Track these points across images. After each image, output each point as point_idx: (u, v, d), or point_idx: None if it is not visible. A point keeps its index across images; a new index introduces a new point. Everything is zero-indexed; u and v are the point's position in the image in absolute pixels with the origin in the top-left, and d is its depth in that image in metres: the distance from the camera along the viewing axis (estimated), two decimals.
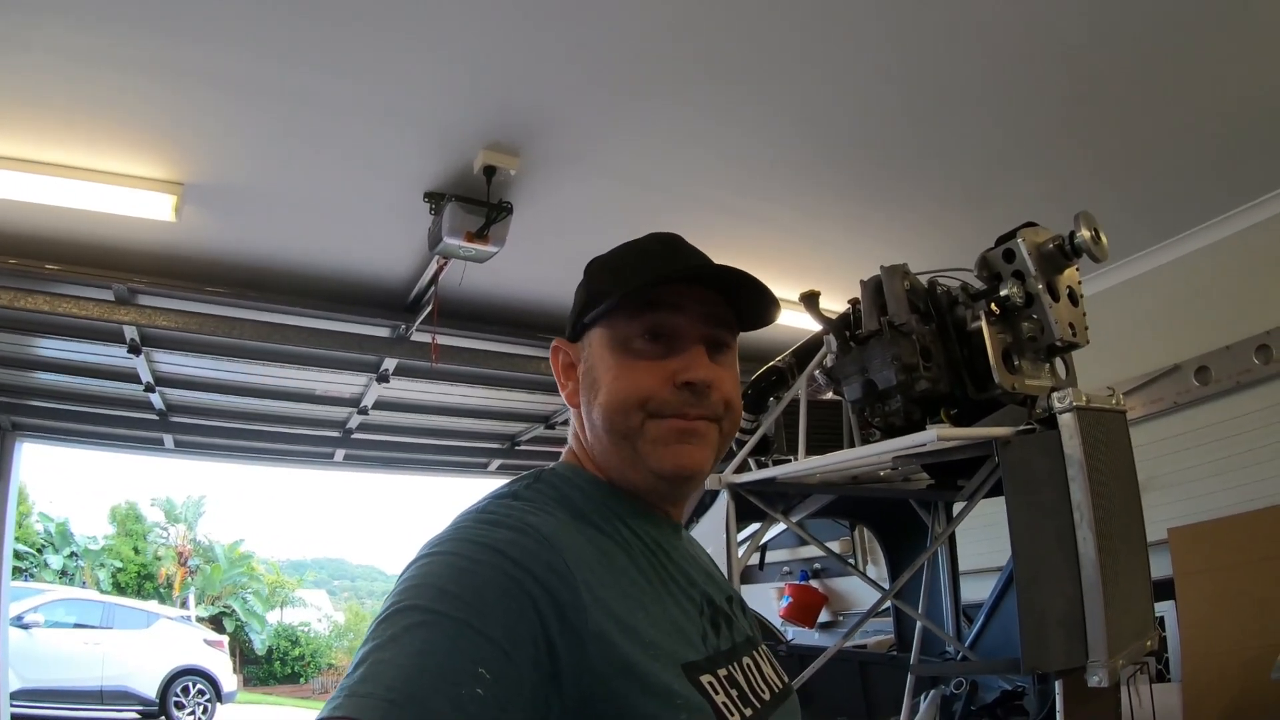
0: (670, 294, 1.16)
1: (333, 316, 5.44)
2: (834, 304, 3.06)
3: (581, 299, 1.24)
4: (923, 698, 3.34)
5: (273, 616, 25.27)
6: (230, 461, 9.13)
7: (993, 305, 2.62)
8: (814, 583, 7.86)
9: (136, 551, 23.93)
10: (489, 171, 3.90)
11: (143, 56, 3.26)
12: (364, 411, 7.20)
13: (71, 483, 33.56)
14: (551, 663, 0.89)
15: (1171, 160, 4.43)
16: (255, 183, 4.24)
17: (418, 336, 5.50)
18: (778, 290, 3.88)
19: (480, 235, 4.09)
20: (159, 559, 24.40)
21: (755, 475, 3.20)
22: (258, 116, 3.69)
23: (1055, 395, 2.46)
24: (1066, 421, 2.44)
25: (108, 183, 4.09)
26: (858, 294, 2.90)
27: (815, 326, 3.12)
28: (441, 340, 5.34)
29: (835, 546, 7.23)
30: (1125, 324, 5.53)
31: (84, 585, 21.47)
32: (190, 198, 4.24)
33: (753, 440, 3.32)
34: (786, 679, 1.25)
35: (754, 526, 3.53)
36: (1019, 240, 2.64)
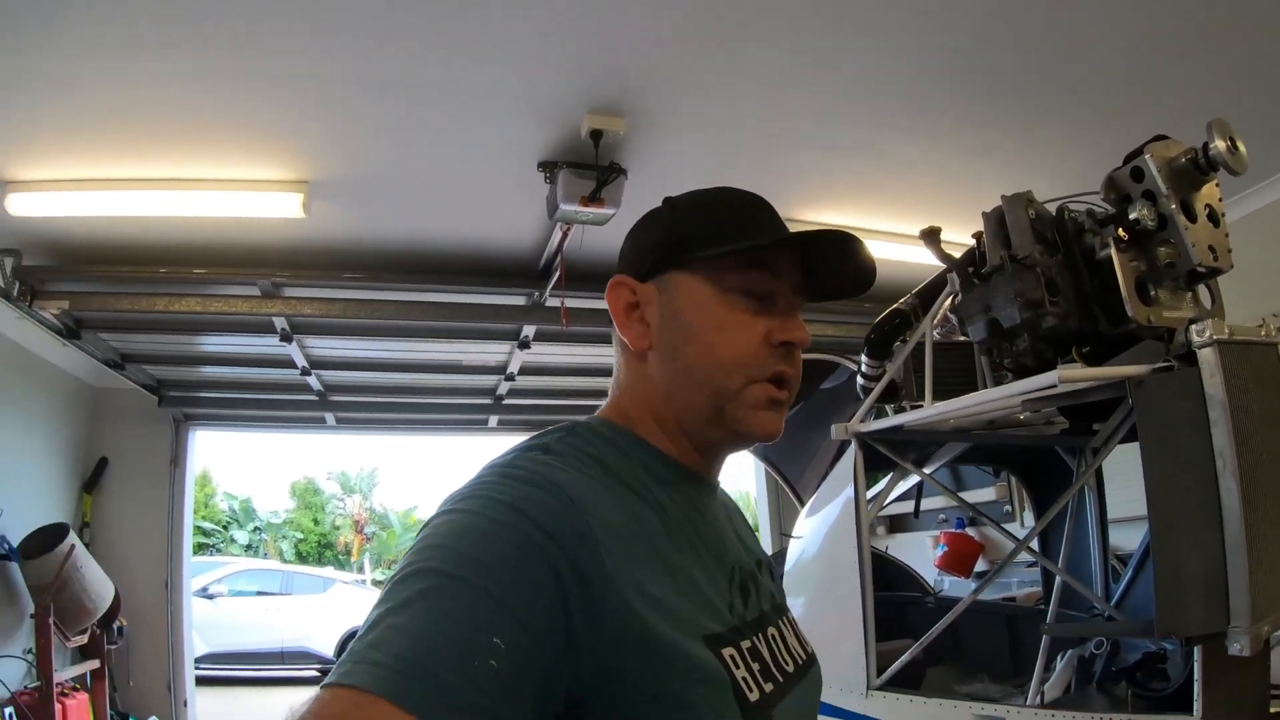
0: (776, 254, 1.13)
1: (469, 290, 5.56)
2: (958, 238, 2.88)
3: (661, 237, 1.17)
4: (1060, 657, 3.13)
5: None
6: (389, 434, 9.45)
7: (1121, 230, 2.38)
8: (970, 530, 7.58)
9: (316, 522, 25.27)
10: (595, 135, 3.85)
11: (261, 69, 3.44)
12: (510, 378, 7.32)
13: (252, 464, 35.43)
14: (569, 631, 0.85)
15: None
16: (375, 172, 4.39)
17: (554, 301, 5.53)
18: (897, 227, 3.72)
19: (594, 199, 4.05)
20: (337, 528, 25.80)
21: (883, 423, 3.05)
22: (370, 110, 3.80)
23: (1194, 328, 2.20)
24: (1207, 357, 2.17)
25: (240, 189, 4.40)
26: (981, 227, 2.72)
27: (938, 265, 2.95)
28: (571, 303, 5.37)
29: (990, 493, 6.96)
30: (1277, 250, 4.98)
31: (267, 556, 22.77)
32: (316, 194, 4.45)
33: (879, 387, 3.17)
34: (810, 649, 1.22)
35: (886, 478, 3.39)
36: (1147, 156, 2.39)
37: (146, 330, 6.10)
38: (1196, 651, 2.20)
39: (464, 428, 8.98)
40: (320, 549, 24.90)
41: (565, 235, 4.65)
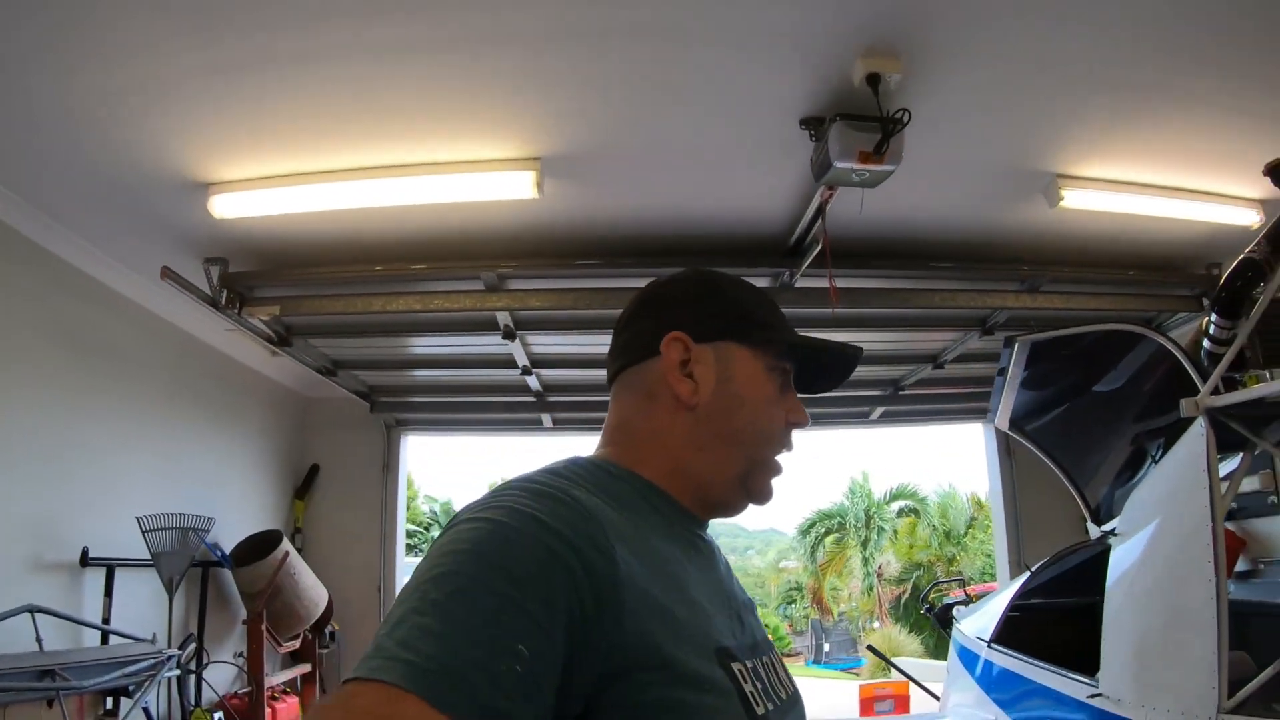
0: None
1: (715, 269, 5.27)
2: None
3: (721, 309, 1.28)
4: None
5: None
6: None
7: None
8: (1229, 525, 6.96)
9: None
10: (872, 80, 3.52)
11: (487, 30, 3.29)
12: None
13: (452, 465, 36.91)
14: (585, 637, 0.89)
15: None
16: (612, 142, 4.18)
17: (804, 282, 5.24)
18: (1211, 185, 3.22)
19: (878, 153, 3.69)
20: None
21: (1240, 395, 2.66)
22: (607, 68, 3.60)
23: None
24: None
25: (466, 171, 4.23)
26: None
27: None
28: (836, 283, 4.97)
29: (1254, 481, 6.39)
30: None
31: None
32: (549, 171, 4.26)
33: (1230, 353, 2.79)
34: (795, 686, 1.26)
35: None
36: None
37: (358, 334, 6.21)
38: None
39: None
40: None
41: (826, 201, 4.34)
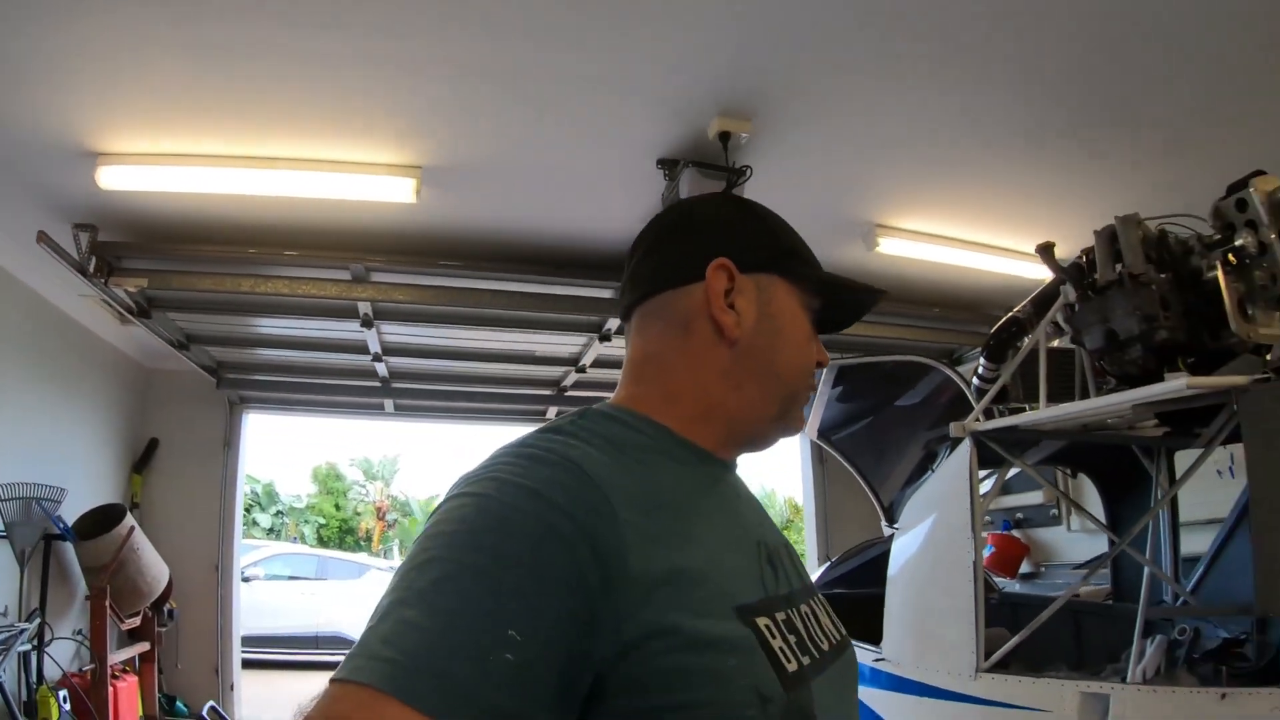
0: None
1: (562, 282, 5.78)
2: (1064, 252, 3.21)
3: (767, 239, 1.24)
4: (1149, 642, 3.49)
5: None
6: (446, 422, 9.73)
7: (1230, 256, 2.73)
8: (1016, 533, 7.94)
9: (337, 508, 25.61)
10: (724, 137, 4.11)
11: (387, 53, 3.61)
12: (582, 370, 7.60)
13: (275, 447, 35.70)
14: (590, 612, 0.86)
15: None
16: (490, 160, 4.55)
17: None
18: (1005, 241, 4.07)
19: None
20: (358, 514, 26.05)
21: (999, 423, 3.40)
22: (496, 97, 3.97)
23: None
24: None
25: (352, 172, 4.50)
26: (1079, 242, 3.06)
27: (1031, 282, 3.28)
28: None
29: (1038, 497, 7.33)
30: None
31: (295, 541, 23.12)
32: (429, 179, 4.60)
33: (994, 389, 3.51)
34: (844, 631, 1.22)
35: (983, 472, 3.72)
36: (1251, 190, 2.74)
37: (221, 311, 6.25)
38: None
39: (521, 418, 9.17)
40: (341, 534, 25.22)
41: None
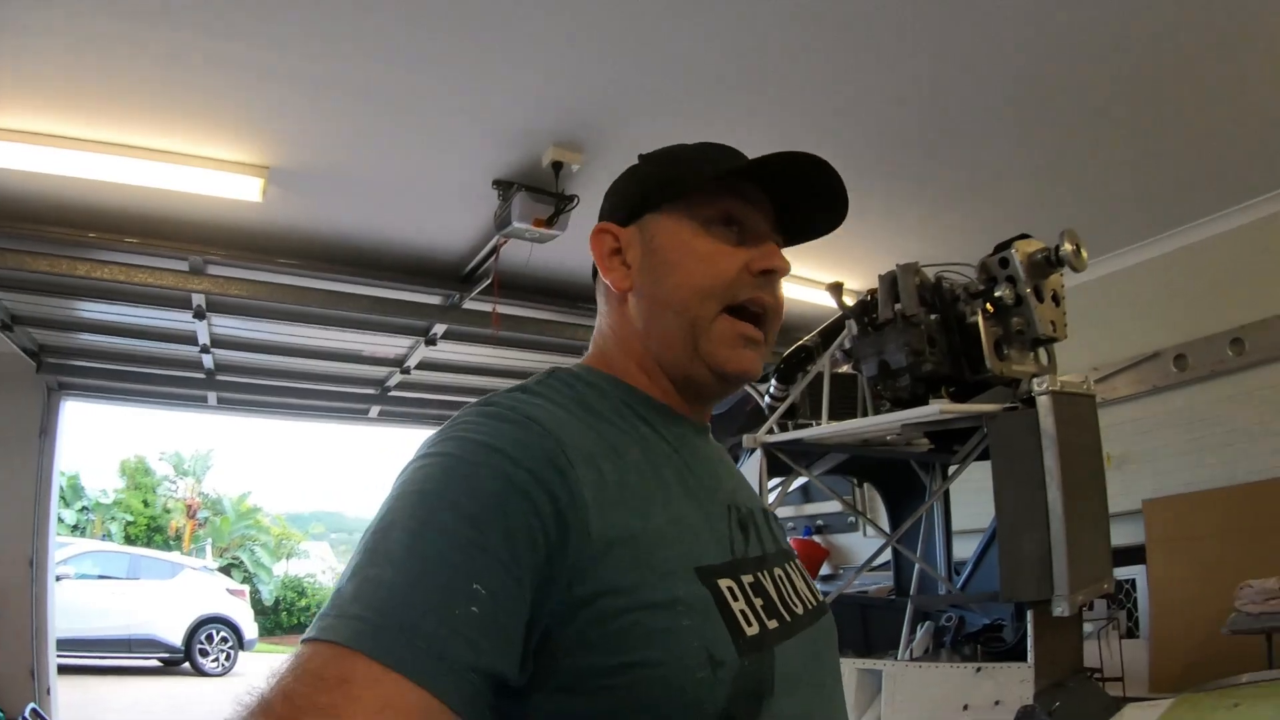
0: (745, 188, 1.19)
1: (395, 286, 5.99)
2: (861, 284, 3.65)
3: (636, 184, 1.25)
4: (920, 628, 3.97)
5: (279, 568, 25.64)
6: (267, 417, 9.67)
7: (988, 304, 3.21)
8: (817, 538, 8.49)
9: (146, 505, 24.29)
10: (556, 166, 4.47)
11: (242, 58, 3.72)
12: (406, 371, 7.76)
13: (82, 438, 33.58)
14: (550, 566, 0.88)
15: (1161, 169, 5.09)
16: (336, 166, 4.73)
17: (474, 305, 6.12)
18: (813, 274, 4.65)
19: (550, 223, 4.65)
20: (168, 512, 24.83)
21: (786, 436, 3.82)
22: (346, 108, 4.14)
23: (1035, 380, 3.09)
24: (1043, 402, 3.06)
25: (200, 166, 4.53)
26: (875, 281, 3.51)
27: (835, 309, 3.73)
28: (499, 309, 5.95)
29: (837, 505, 7.90)
30: (1118, 310, 6.23)
31: (103, 538, 22.03)
32: (275, 180, 4.73)
33: (784, 406, 3.94)
34: (821, 598, 1.21)
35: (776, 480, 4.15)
36: (1013, 250, 3.24)
37: (52, 293, 6.08)
38: (1030, 614, 3.08)
39: (344, 416, 9.25)
40: (150, 532, 23.73)
41: (500, 246, 5.24)
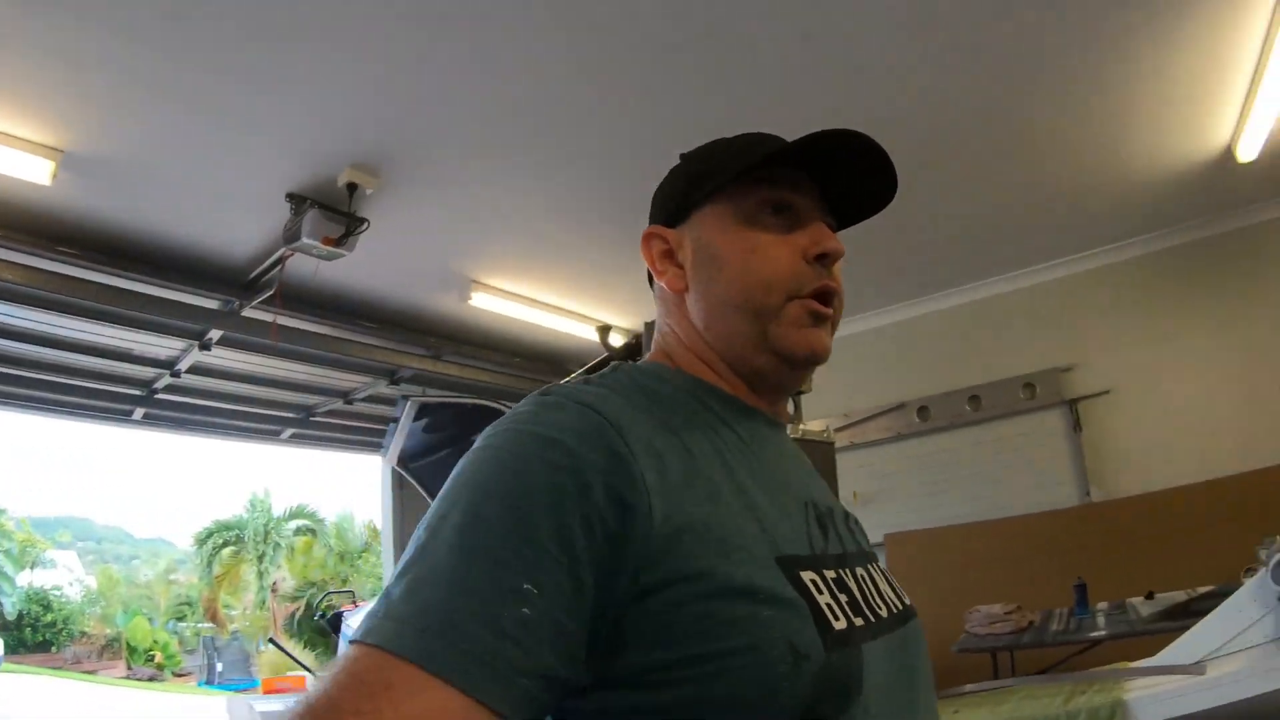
0: (787, 174, 1.15)
1: (173, 286, 5.86)
2: (634, 323, 3.87)
3: (680, 182, 1.21)
4: None
5: (23, 578, 24.10)
6: (21, 412, 9.11)
7: None
8: None
9: None
10: (351, 187, 4.59)
11: (43, 36, 3.61)
12: (177, 375, 7.53)
13: None
14: (613, 555, 0.84)
15: (916, 244, 5.80)
16: (133, 159, 4.63)
17: (254, 314, 6.06)
18: (588, 311, 5.04)
19: (339, 243, 4.74)
20: None
21: None
22: (147, 101, 4.09)
23: None
24: None
25: None
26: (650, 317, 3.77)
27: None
28: (280, 321, 5.98)
29: None
30: (870, 365, 6.98)
31: None
32: (69, 165, 4.57)
33: None
34: (908, 601, 1.15)
35: None
36: None
37: None
38: None
39: (105, 417, 8.79)
40: None
41: (287, 258, 5.26)
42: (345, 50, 3.71)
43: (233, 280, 5.98)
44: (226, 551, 30.29)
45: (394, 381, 7.58)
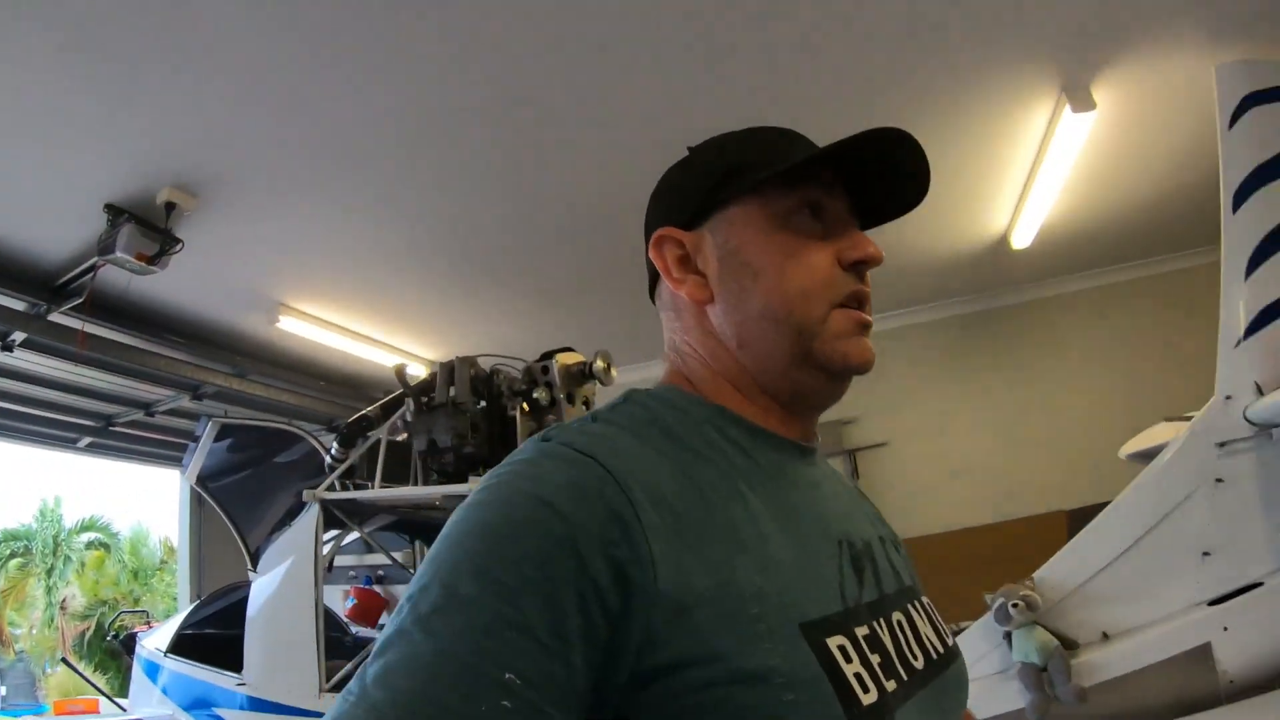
0: (823, 174, 1.07)
1: None
2: (437, 354, 4.15)
3: (700, 178, 1.11)
4: None
5: None
6: None
7: (525, 405, 3.79)
8: (377, 588, 8.80)
9: None
10: (169, 206, 4.67)
11: None
12: None
13: None
14: (613, 636, 0.78)
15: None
16: None
17: (62, 319, 6.00)
18: (395, 341, 5.39)
19: (152, 260, 4.81)
20: None
21: (343, 495, 4.24)
22: None
23: None
24: None
25: None
26: (449, 353, 4.07)
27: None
28: (88, 329, 5.91)
29: (400, 556, 8.33)
30: None
31: None
32: None
33: (343, 467, 4.34)
34: (951, 641, 1.10)
35: (334, 532, 4.52)
36: (554, 360, 3.81)
37: None
38: None
39: None
40: None
41: (99, 267, 5.18)
42: (175, 73, 3.80)
43: (42, 283, 5.88)
44: (13, 564, 27.60)
45: (197, 397, 7.57)
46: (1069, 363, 7.55)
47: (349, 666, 4.05)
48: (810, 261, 1.04)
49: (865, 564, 1.01)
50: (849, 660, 0.85)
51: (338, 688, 3.93)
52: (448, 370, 3.93)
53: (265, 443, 5.58)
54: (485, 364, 4.08)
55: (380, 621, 8.35)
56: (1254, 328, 3.47)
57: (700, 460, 0.95)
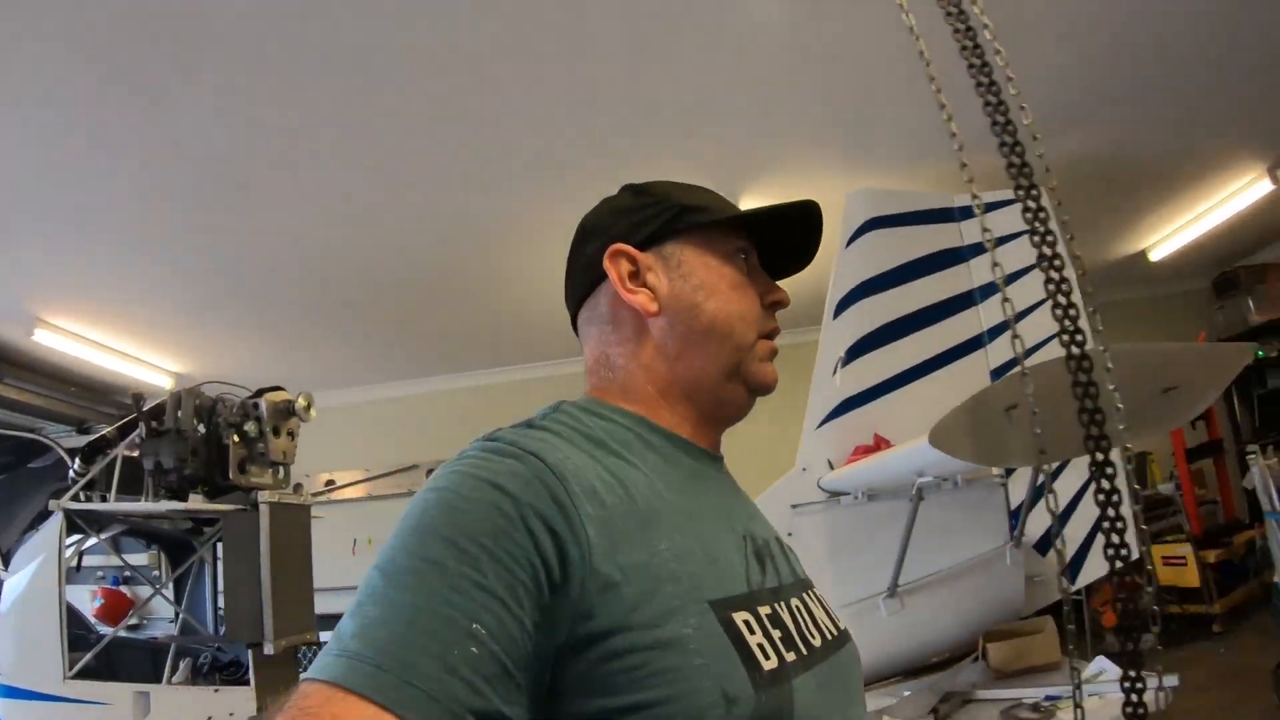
0: (754, 229, 1.26)
1: None
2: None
3: (655, 210, 1.23)
4: (183, 663, 4.98)
5: None
6: None
7: (236, 436, 4.49)
8: (124, 588, 9.05)
9: None
10: None
11: None
12: None
13: None
14: (554, 604, 0.87)
15: (414, 339, 7.50)
16: None
17: None
18: (153, 359, 7.69)
19: None
20: None
21: (84, 506, 4.80)
22: None
23: (260, 493, 4.37)
24: (264, 509, 4.33)
25: None
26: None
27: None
28: None
29: (144, 558, 8.72)
30: (393, 427, 8.80)
31: None
32: None
33: (83, 481, 4.89)
34: (843, 626, 1.21)
35: (76, 537, 5.04)
36: (263, 399, 4.53)
37: None
38: (250, 653, 4.30)
39: None
40: None
41: None
42: None
43: None
44: None
45: None
46: None
47: (88, 657, 4.57)
48: (747, 295, 1.22)
49: (766, 557, 1.13)
50: (752, 632, 0.97)
51: (80, 675, 4.45)
52: (176, 399, 4.49)
53: (17, 451, 5.86)
54: (213, 390, 4.60)
55: (127, 620, 8.71)
56: (832, 415, 4.13)
57: (624, 463, 1.05)
